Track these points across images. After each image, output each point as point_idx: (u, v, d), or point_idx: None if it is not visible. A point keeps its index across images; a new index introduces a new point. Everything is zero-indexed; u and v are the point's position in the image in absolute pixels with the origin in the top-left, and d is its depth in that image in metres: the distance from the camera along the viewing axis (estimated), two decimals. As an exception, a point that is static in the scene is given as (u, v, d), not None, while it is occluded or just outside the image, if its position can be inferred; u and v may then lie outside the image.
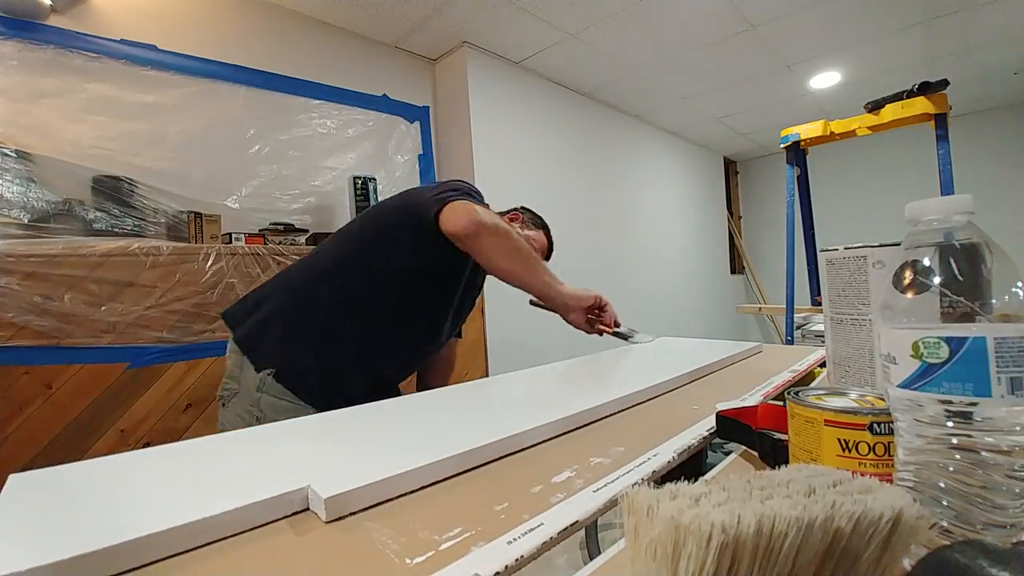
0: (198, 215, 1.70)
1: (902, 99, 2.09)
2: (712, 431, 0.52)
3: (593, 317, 1.10)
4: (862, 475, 0.26)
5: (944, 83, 2.01)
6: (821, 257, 0.62)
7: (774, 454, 0.43)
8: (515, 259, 0.94)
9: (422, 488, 0.41)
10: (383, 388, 0.96)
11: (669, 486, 0.25)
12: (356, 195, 2.09)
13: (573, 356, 1.00)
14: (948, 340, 0.28)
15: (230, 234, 1.76)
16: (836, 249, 0.59)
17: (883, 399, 0.36)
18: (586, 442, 0.51)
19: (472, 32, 2.43)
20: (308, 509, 0.37)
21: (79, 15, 1.66)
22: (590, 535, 0.81)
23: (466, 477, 0.43)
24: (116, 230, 1.62)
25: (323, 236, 1.99)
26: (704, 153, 4.75)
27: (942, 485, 0.29)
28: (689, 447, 0.48)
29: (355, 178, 2.10)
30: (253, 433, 0.55)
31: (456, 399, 0.69)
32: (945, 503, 0.28)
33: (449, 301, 1.05)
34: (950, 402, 0.28)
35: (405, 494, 0.40)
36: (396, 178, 2.48)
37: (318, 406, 0.84)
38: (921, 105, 2.03)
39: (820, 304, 1.19)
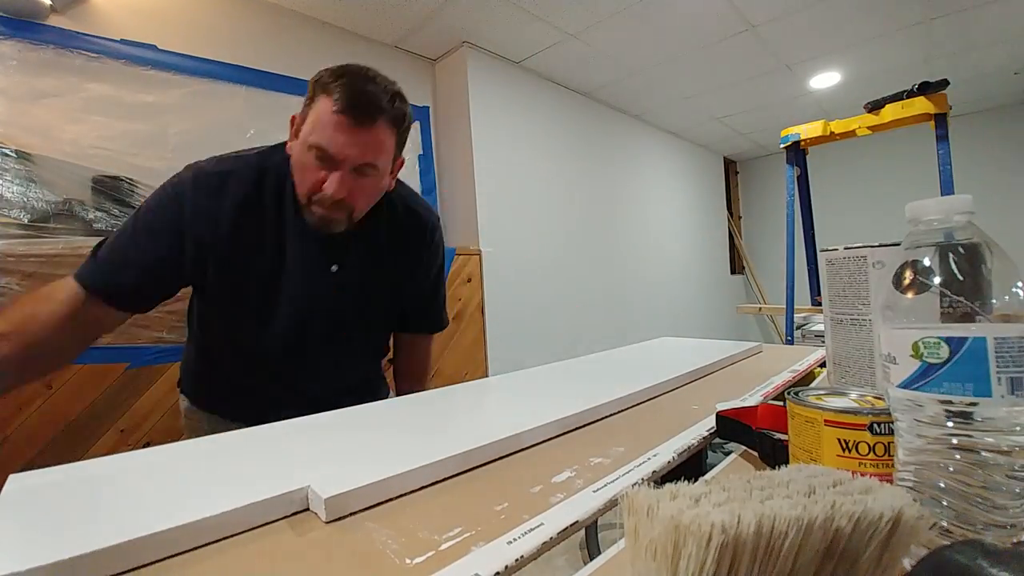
0: (198, 215, 1.70)
1: (902, 99, 2.09)
2: (712, 431, 0.52)
3: None
4: (862, 475, 0.26)
5: (944, 83, 2.01)
6: (821, 257, 0.62)
7: (774, 454, 0.43)
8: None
9: (422, 488, 0.41)
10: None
11: (669, 486, 0.25)
12: (356, 195, 2.09)
13: (576, 354, 1.00)
14: (948, 340, 0.28)
15: (230, 234, 1.76)
16: (836, 249, 0.59)
17: (883, 399, 0.36)
18: (586, 442, 0.51)
19: (472, 32, 2.43)
20: (308, 509, 0.37)
21: (79, 15, 1.66)
22: (590, 535, 0.81)
23: (466, 477, 0.43)
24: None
25: (323, 236, 1.99)
26: (704, 153, 4.75)
27: (942, 485, 0.29)
28: (689, 447, 0.48)
29: (355, 178, 2.10)
30: (253, 433, 0.55)
31: (456, 399, 0.69)
32: (945, 503, 0.28)
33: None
34: (950, 402, 0.28)
35: (405, 494, 0.40)
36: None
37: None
38: (921, 105, 2.03)
39: (820, 304, 1.19)
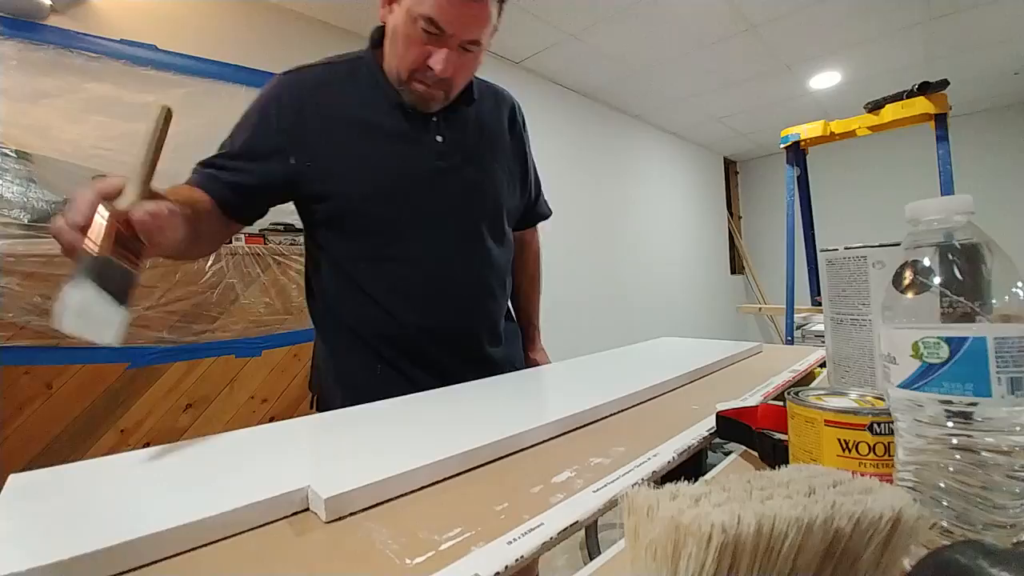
0: (198, 215, 1.70)
1: (902, 99, 2.09)
2: (712, 431, 0.52)
3: None
4: (862, 475, 0.26)
5: (944, 83, 2.01)
6: (821, 257, 0.62)
7: (774, 454, 0.43)
8: None
9: (422, 488, 0.41)
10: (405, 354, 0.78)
11: (669, 486, 0.25)
12: (356, 195, 2.09)
13: (576, 354, 1.00)
14: (948, 340, 0.28)
15: (230, 234, 1.76)
16: (836, 249, 0.59)
17: (883, 399, 0.36)
18: (586, 442, 0.51)
19: (472, 32, 2.43)
20: (308, 509, 0.37)
21: (79, 15, 1.66)
22: (590, 535, 0.81)
23: (466, 477, 0.43)
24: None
25: (323, 236, 1.99)
26: (704, 153, 4.75)
27: (942, 485, 0.29)
28: (689, 447, 0.48)
29: (355, 178, 2.10)
30: (253, 433, 0.55)
31: (456, 399, 0.69)
32: (945, 503, 0.28)
33: None
34: (950, 402, 0.28)
35: (405, 494, 0.40)
36: (396, 178, 2.48)
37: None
38: (921, 105, 2.04)
39: (820, 304, 1.19)
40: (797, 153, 2.51)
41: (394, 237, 0.77)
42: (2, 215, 1.43)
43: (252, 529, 0.35)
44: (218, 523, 0.34)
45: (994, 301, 0.29)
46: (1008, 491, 0.27)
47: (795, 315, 2.46)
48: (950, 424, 0.28)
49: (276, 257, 1.72)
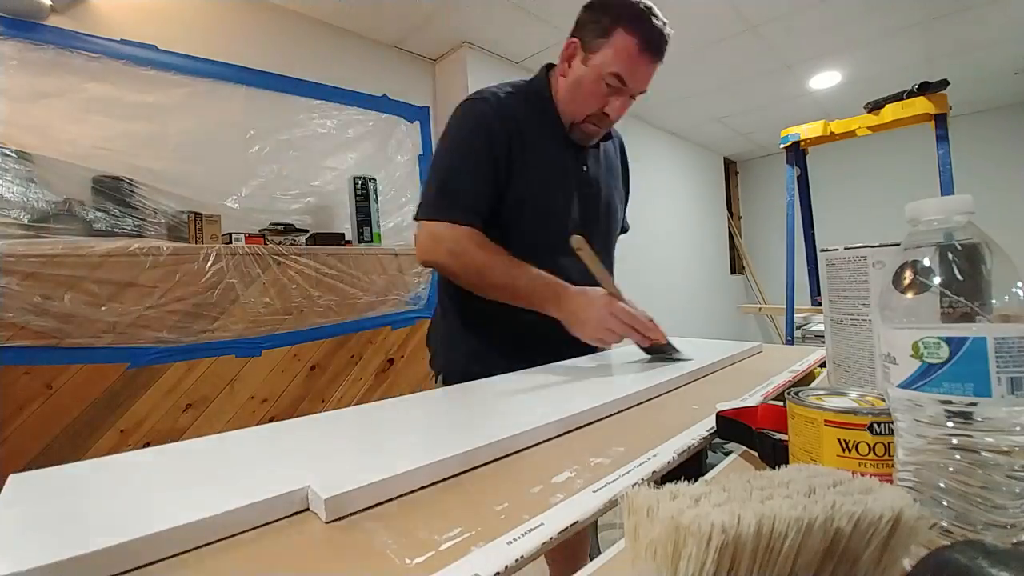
0: (198, 215, 1.70)
1: (902, 99, 2.09)
2: (712, 431, 0.52)
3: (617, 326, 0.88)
4: (862, 475, 0.26)
5: (944, 83, 2.01)
6: (821, 257, 0.62)
7: (774, 454, 0.43)
8: (484, 287, 0.86)
9: (422, 488, 0.41)
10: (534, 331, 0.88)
11: (669, 486, 0.25)
12: (356, 195, 2.09)
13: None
14: (948, 340, 0.28)
15: (230, 234, 1.76)
16: (836, 249, 0.59)
17: (883, 399, 0.36)
18: (586, 442, 0.51)
19: (472, 32, 2.43)
20: (308, 509, 0.38)
21: (79, 15, 1.66)
22: (590, 535, 0.81)
23: (466, 477, 0.43)
24: (116, 230, 1.62)
25: (323, 236, 1.99)
26: (704, 153, 4.75)
27: (942, 485, 0.29)
28: (689, 447, 0.48)
29: (355, 178, 2.10)
30: (253, 433, 0.55)
31: (456, 399, 0.69)
32: (945, 503, 0.28)
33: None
34: (950, 402, 0.28)
35: (405, 494, 0.40)
36: (396, 178, 2.48)
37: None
38: (921, 105, 2.04)
39: (820, 304, 1.19)
40: (797, 153, 2.51)
41: (548, 252, 0.90)
42: (2, 215, 1.43)
43: (252, 529, 0.35)
44: (218, 523, 0.34)
45: (994, 301, 0.29)
46: (1008, 491, 0.27)
47: (795, 315, 2.46)
48: (950, 424, 0.28)
49: (276, 257, 1.72)
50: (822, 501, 0.23)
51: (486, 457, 0.46)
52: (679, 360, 0.87)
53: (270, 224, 1.93)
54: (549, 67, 0.97)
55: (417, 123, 2.62)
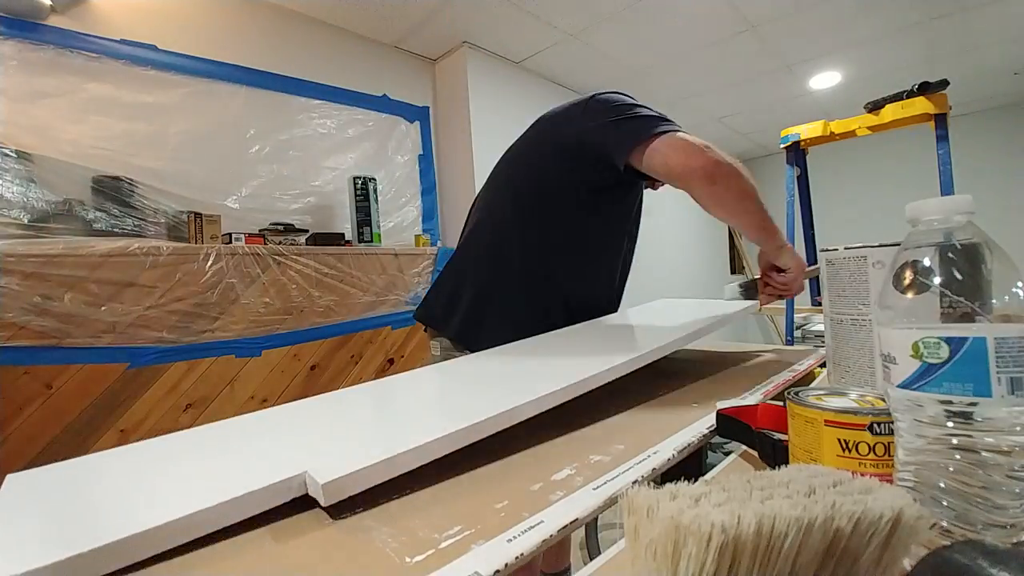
0: (198, 215, 1.70)
1: (902, 99, 2.09)
2: (712, 429, 0.52)
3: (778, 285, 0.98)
4: (862, 475, 0.26)
5: (944, 83, 2.01)
6: (821, 257, 0.62)
7: (774, 454, 0.43)
8: (750, 205, 0.86)
9: (422, 488, 0.41)
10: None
11: (669, 486, 0.25)
12: (356, 195, 2.09)
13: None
14: (948, 340, 0.28)
15: (230, 234, 1.76)
16: (836, 249, 0.59)
17: (883, 399, 0.36)
18: (586, 440, 0.51)
19: (472, 32, 2.43)
20: (307, 495, 0.37)
21: (79, 15, 1.66)
22: (590, 535, 0.81)
23: (466, 476, 0.43)
24: (116, 230, 1.62)
25: (323, 236, 1.99)
26: (704, 153, 4.75)
27: (942, 485, 0.29)
28: (689, 445, 0.48)
29: (355, 178, 2.10)
30: (250, 420, 0.55)
31: (447, 380, 0.69)
32: (945, 503, 0.28)
33: (623, 233, 1.07)
34: (950, 402, 0.28)
35: (405, 493, 0.40)
36: (396, 178, 2.48)
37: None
38: (921, 105, 2.03)
39: (820, 304, 1.19)
40: (797, 153, 2.51)
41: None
42: (2, 215, 1.43)
43: (252, 529, 0.35)
44: (217, 515, 0.34)
45: (994, 301, 0.29)
46: (1008, 491, 0.27)
47: (795, 315, 2.46)
48: (950, 424, 0.28)
49: (276, 257, 1.72)
50: (822, 501, 0.23)
51: (483, 433, 0.46)
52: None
53: (270, 224, 1.93)
54: None
55: (417, 123, 2.62)
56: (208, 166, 1.88)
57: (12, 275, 1.27)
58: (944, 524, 0.28)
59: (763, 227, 0.89)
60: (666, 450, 0.47)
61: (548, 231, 0.93)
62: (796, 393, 0.41)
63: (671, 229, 4.13)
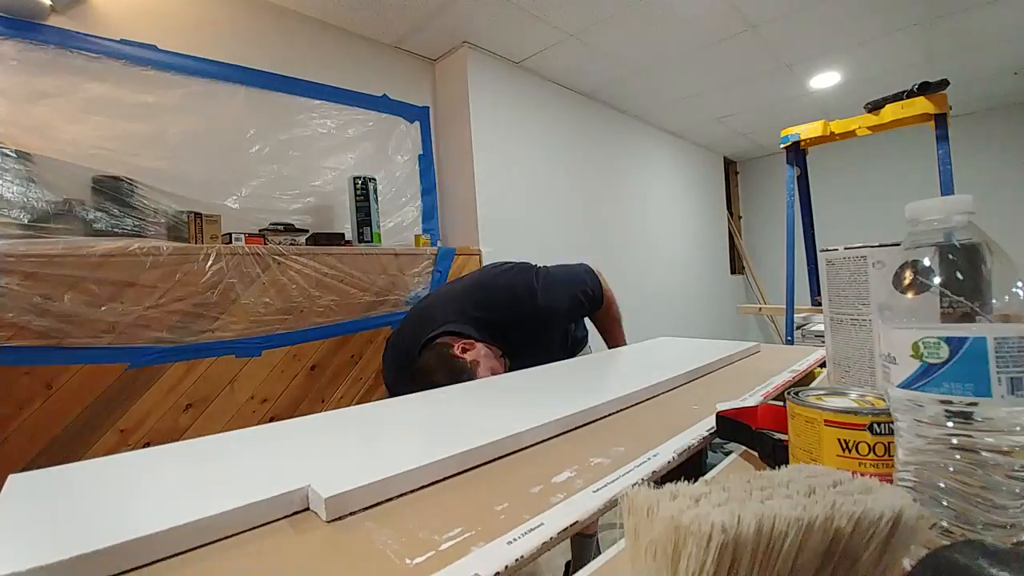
0: (198, 215, 1.70)
1: (902, 99, 2.09)
2: (712, 431, 0.52)
3: None
4: (862, 475, 0.26)
5: (944, 83, 2.01)
6: (821, 257, 0.62)
7: (774, 454, 0.43)
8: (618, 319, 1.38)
9: (422, 488, 0.41)
10: None
11: (669, 486, 0.25)
12: (356, 195, 2.09)
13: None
14: (948, 340, 0.28)
15: (230, 234, 1.76)
16: (836, 249, 0.59)
17: (883, 399, 0.36)
18: (586, 442, 0.51)
19: (472, 32, 2.43)
20: (308, 509, 0.38)
21: (79, 15, 1.66)
22: (586, 545, 0.80)
23: (466, 477, 0.43)
24: (116, 230, 1.62)
25: (323, 236, 1.99)
26: (704, 153, 4.75)
27: (942, 485, 0.29)
28: (689, 447, 0.48)
29: (355, 178, 2.10)
30: (253, 433, 0.55)
31: (455, 399, 0.69)
32: (945, 503, 0.28)
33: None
34: (950, 402, 0.28)
35: (405, 494, 0.40)
36: (396, 178, 2.48)
37: None
38: (921, 105, 2.04)
39: (820, 304, 1.19)
40: (797, 153, 2.51)
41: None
42: (2, 215, 1.43)
43: (252, 529, 0.35)
44: (218, 523, 0.34)
45: (994, 301, 0.29)
46: (1008, 491, 0.27)
47: (795, 315, 2.46)
48: (950, 424, 0.28)
49: (276, 257, 1.72)
50: (822, 501, 0.22)
51: (486, 457, 0.46)
52: None
53: (270, 224, 1.93)
54: None
55: (417, 123, 2.62)
56: (208, 166, 1.88)
57: (12, 275, 1.27)
58: (944, 524, 0.28)
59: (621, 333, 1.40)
60: (666, 452, 0.47)
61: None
62: (796, 393, 0.41)
63: (671, 229, 4.13)
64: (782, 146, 2.50)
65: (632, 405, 0.64)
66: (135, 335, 1.44)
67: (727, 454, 0.50)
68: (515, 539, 0.32)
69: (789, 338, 2.43)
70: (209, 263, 1.57)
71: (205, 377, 1.55)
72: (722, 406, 0.53)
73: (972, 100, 3.72)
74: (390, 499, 0.39)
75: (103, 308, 1.39)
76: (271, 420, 1.66)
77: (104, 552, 0.30)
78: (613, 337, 1.39)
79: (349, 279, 1.90)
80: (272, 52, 2.10)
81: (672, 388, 0.72)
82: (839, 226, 4.23)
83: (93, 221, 1.58)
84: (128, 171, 1.68)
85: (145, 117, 1.75)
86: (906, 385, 0.30)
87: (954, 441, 0.28)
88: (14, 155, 1.48)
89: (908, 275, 0.31)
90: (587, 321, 1.47)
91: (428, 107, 2.68)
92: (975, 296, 0.29)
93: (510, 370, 1.05)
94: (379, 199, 2.20)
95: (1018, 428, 0.27)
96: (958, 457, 0.28)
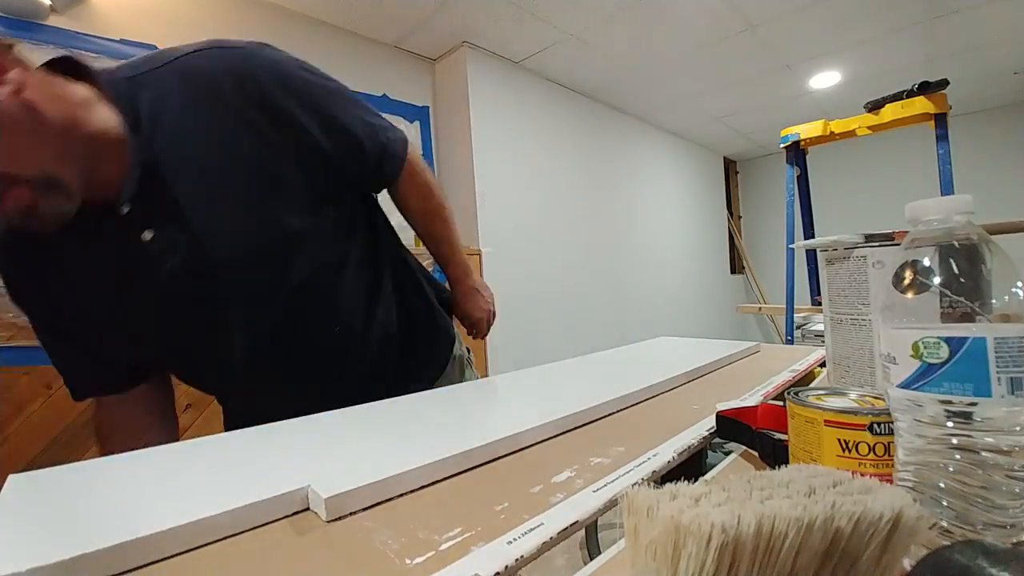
0: (198, 215, 1.70)
1: (902, 99, 2.09)
2: (712, 431, 0.52)
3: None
4: (862, 475, 0.26)
5: (944, 83, 2.01)
6: (821, 257, 0.62)
7: (774, 454, 0.43)
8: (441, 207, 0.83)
9: (422, 488, 0.41)
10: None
11: (669, 486, 0.25)
12: (356, 195, 2.09)
13: (575, 353, 1.00)
14: (948, 340, 0.28)
15: (230, 234, 1.76)
16: (836, 249, 0.59)
17: (883, 399, 0.36)
18: (586, 442, 0.51)
19: (472, 32, 2.43)
20: (308, 509, 0.38)
21: (79, 15, 1.66)
22: (590, 535, 0.81)
23: (466, 477, 0.43)
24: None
25: (323, 236, 1.99)
26: (704, 153, 4.75)
27: (942, 485, 0.29)
28: (689, 447, 0.48)
29: (355, 178, 2.10)
30: (254, 433, 0.55)
31: (456, 399, 0.69)
32: (945, 503, 0.28)
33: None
34: (950, 402, 0.28)
35: (405, 494, 0.40)
36: (396, 178, 2.49)
37: None
38: (921, 105, 2.04)
39: (820, 304, 1.19)
40: (797, 153, 2.51)
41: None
42: (2, 215, 1.43)
43: (252, 529, 0.35)
44: (218, 523, 0.34)
45: (994, 301, 0.29)
46: (1008, 491, 0.27)
47: (795, 315, 2.46)
48: (950, 424, 0.28)
49: (276, 257, 1.72)
50: (822, 501, 0.22)
51: (486, 457, 0.46)
52: None
53: (270, 224, 1.93)
54: None
55: (417, 123, 2.62)
56: (208, 166, 1.88)
57: (12, 275, 1.27)
58: (944, 524, 0.28)
59: (457, 241, 0.86)
60: (666, 452, 0.47)
61: None
62: (796, 393, 0.41)
63: (671, 229, 4.13)
64: (782, 146, 2.50)
65: (632, 405, 0.64)
66: (135, 335, 1.44)
67: (727, 454, 0.50)
68: (515, 539, 0.32)
69: (789, 338, 2.43)
70: (209, 263, 1.57)
71: (205, 377, 1.55)
72: (722, 406, 0.53)
73: (972, 100, 3.72)
74: (390, 499, 0.39)
75: (103, 308, 1.39)
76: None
77: (104, 552, 0.30)
78: (440, 237, 0.85)
79: (349, 279, 1.90)
80: (272, 52, 2.10)
81: (672, 388, 0.72)
82: (839, 226, 4.23)
83: (93, 221, 1.58)
84: (128, 171, 1.68)
85: (145, 117, 1.76)
86: (906, 385, 0.30)
87: (954, 441, 0.28)
88: (14, 155, 1.48)
89: (908, 275, 0.31)
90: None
91: (428, 107, 2.68)
92: (975, 296, 0.29)
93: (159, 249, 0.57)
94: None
95: (1018, 428, 0.27)
96: (958, 457, 0.28)
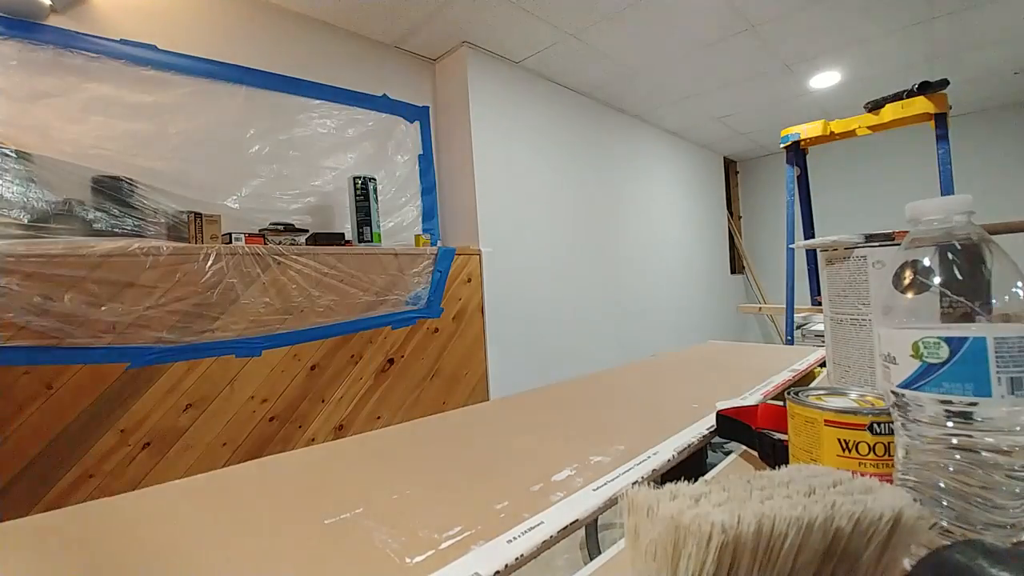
0: (198, 215, 1.70)
1: (902, 99, 2.09)
2: (712, 429, 0.52)
3: None
4: (862, 475, 0.26)
5: (944, 83, 2.01)
6: (821, 257, 0.62)
7: (774, 454, 0.43)
8: None
9: (422, 488, 0.41)
10: None
11: (669, 486, 0.25)
12: (356, 195, 2.09)
13: (574, 353, 1.00)
14: (948, 340, 0.28)
15: (230, 234, 1.76)
16: (836, 249, 0.59)
17: (883, 399, 0.36)
18: (586, 440, 0.51)
19: (472, 32, 2.43)
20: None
21: (79, 15, 1.66)
22: (590, 534, 0.81)
23: (466, 477, 0.43)
24: (116, 230, 1.62)
25: (323, 236, 1.99)
26: (704, 153, 4.75)
27: (942, 485, 0.29)
28: (689, 445, 0.48)
29: (355, 178, 2.10)
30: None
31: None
32: (945, 503, 0.28)
33: None
34: (950, 402, 0.28)
35: (405, 494, 0.40)
36: (396, 178, 2.48)
37: None
38: (921, 105, 2.04)
39: (820, 304, 1.19)
40: (797, 153, 2.51)
41: None
42: (2, 215, 1.43)
43: (249, 529, 0.35)
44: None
45: (994, 301, 0.29)
46: (1008, 491, 0.27)
47: (795, 315, 2.46)
48: (950, 424, 0.28)
49: (276, 257, 1.72)
50: (822, 501, 0.22)
51: (486, 456, 0.46)
52: None
53: (270, 224, 1.93)
54: None
55: (417, 123, 2.62)
56: (208, 166, 1.88)
57: (12, 275, 1.27)
58: (944, 524, 0.28)
59: None
60: (666, 451, 0.47)
61: None
62: (796, 393, 0.41)
63: (671, 228, 4.13)
64: (782, 146, 2.50)
65: (632, 408, 0.64)
66: (135, 335, 1.44)
67: (727, 454, 0.50)
68: (515, 538, 0.32)
69: (789, 338, 2.43)
70: (209, 263, 1.57)
71: (205, 377, 1.55)
72: (722, 405, 0.53)
73: (972, 100, 3.72)
74: (390, 499, 0.39)
75: (103, 308, 1.39)
76: (271, 420, 1.66)
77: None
78: None
79: (349, 279, 1.90)
80: (272, 52, 2.10)
81: (671, 387, 0.72)
82: (839, 226, 4.23)
83: (93, 221, 1.58)
84: (128, 171, 1.68)
85: (145, 117, 1.75)
86: (906, 385, 0.30)
87: (954, 441, 0.28)
88: (14, 155, 1.48)
89: (908, 275, 0.31)
90: None
91: (428, 107, 2.68)
92: (975, 296, 0.29)
93: None
94: (379, 199, 2.21)
95: (1018, 428, 0.27)
96: (958, 457, 0.28)
